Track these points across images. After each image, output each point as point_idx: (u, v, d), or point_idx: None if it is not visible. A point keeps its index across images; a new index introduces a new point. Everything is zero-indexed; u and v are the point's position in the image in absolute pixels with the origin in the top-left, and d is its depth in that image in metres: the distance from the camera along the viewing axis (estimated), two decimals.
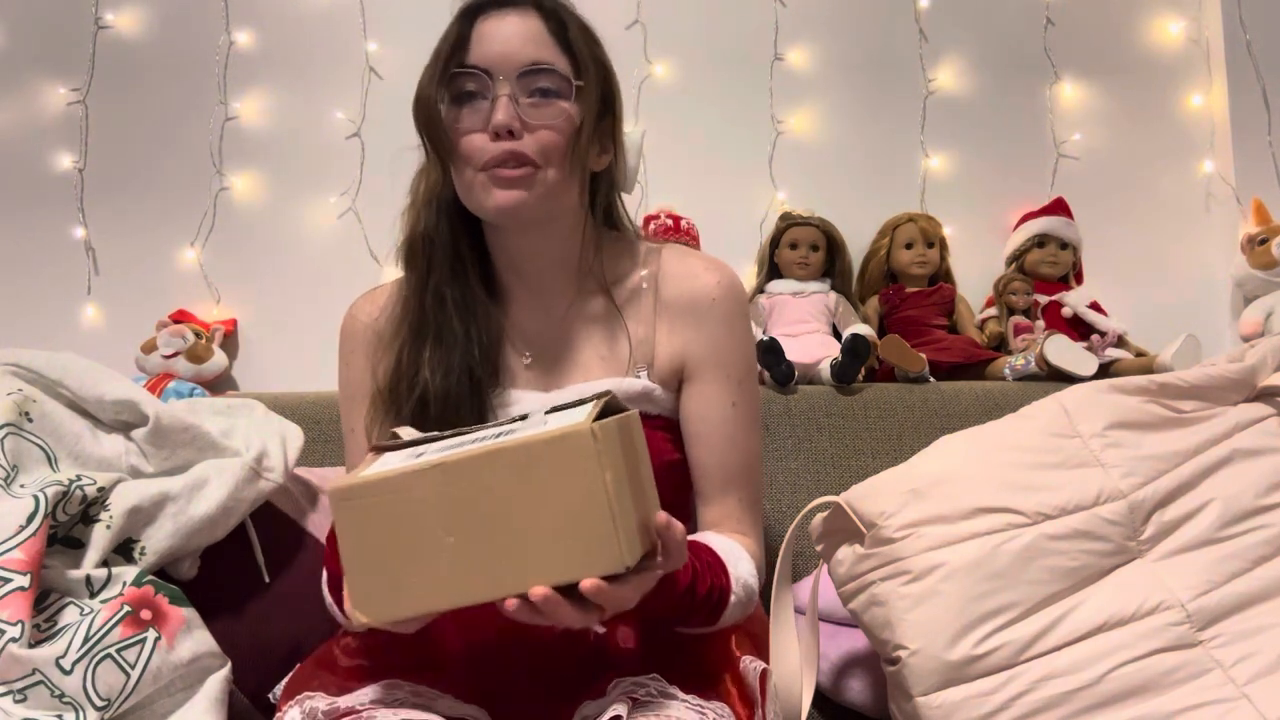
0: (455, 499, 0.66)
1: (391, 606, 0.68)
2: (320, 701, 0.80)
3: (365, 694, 0.83)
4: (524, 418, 0.76)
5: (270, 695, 0.98)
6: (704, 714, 0.78)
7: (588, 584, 0.66)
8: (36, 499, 0.96)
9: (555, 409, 0.77)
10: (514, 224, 0.95)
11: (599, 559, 0.66)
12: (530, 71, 0.91)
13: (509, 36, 0.92)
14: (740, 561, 0.91)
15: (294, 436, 1.26)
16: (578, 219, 1.00)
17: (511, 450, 0.66)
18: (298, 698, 0.82)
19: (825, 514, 1.08)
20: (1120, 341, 1.74)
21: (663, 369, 1.00)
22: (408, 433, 0.81)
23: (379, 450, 0.77)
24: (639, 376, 0.99)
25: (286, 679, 0.95)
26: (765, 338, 1.58)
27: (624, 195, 1.07)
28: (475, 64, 0.91)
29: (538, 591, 0.65)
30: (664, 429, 1.00)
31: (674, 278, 1.02)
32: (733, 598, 0.87)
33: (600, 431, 0.66)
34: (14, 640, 0.89)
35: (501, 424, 0.77)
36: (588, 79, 0.94)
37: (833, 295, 1.78)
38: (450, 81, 0.93)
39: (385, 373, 0.97)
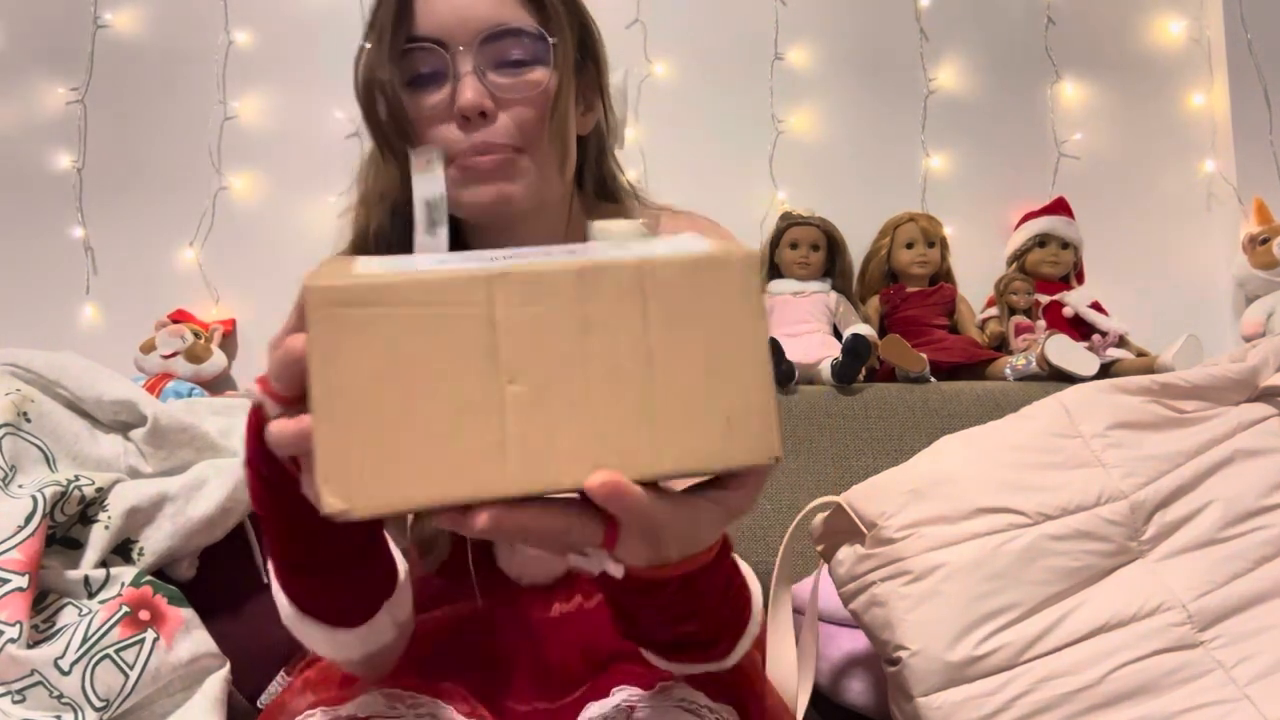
0: (532, 326, 0.43)
1: (394, 488, 0.41)
2: (322, 717, 0.77)
3: (366, 703, 0.79)
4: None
5: (258, 703, 0.94)
6: (699, 716, 0.77)
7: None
8: (35, 499, 0.96)
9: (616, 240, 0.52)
10: (498, 220, 0.82)
11: (740, 443, 0.44)
12: (494, 36, 0.76)
13: None
14: (756, 593, 0.73)
15: None
16: (565, 200, 0.86)
17: (632, 269, 0.43)
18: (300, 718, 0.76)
19: (825, 514, 1.07)
20: (1121, 341, 1.73)
21: None
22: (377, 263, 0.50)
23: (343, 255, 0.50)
24: None
25: (273, 691, 0.88)
26: None
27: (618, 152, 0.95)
28: (427, 35, 0.77)
29: (631, 490, 0.43)
30: None
31: None
32: (751, 627, 0.70)
33: (755, 262, 0.45)
34: (12, 641, 0.89)
35: (564, 249, 0.50)
36: (560, 30, 0.78)
37: (833, 295, 1.78)
38: (400, 60, 0.79)
39: None
